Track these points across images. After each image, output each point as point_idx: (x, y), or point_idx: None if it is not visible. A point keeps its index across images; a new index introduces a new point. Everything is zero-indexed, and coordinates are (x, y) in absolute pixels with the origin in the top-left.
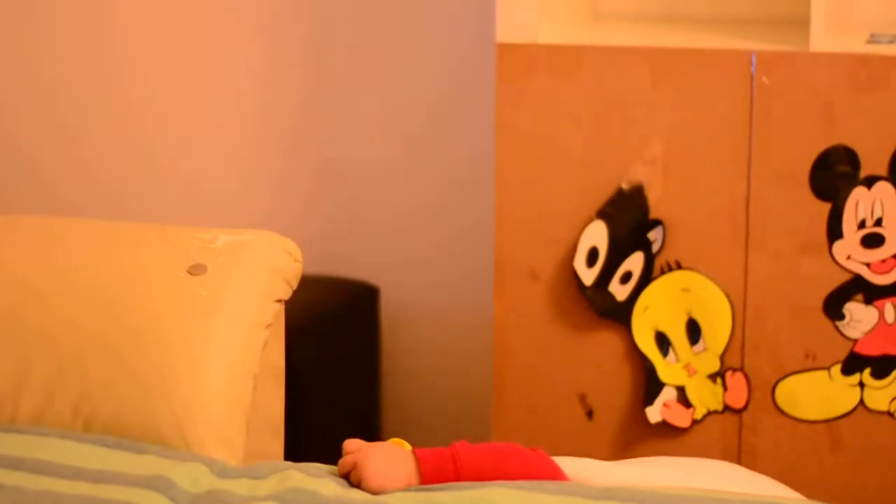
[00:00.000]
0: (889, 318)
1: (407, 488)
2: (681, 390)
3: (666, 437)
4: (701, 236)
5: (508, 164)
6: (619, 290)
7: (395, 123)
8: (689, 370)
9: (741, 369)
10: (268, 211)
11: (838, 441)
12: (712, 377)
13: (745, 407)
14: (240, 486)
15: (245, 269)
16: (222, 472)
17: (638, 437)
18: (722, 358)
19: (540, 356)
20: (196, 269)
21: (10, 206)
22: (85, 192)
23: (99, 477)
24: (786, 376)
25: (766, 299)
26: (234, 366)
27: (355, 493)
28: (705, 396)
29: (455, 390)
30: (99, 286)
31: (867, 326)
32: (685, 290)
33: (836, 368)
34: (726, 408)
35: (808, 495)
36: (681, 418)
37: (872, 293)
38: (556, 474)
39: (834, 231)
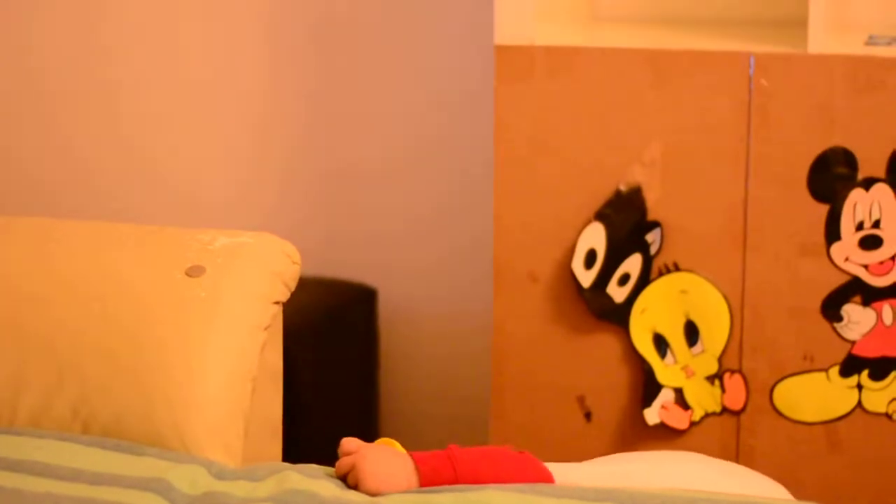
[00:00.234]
0: (887, 319)
1: (406, 490)
2: (679, 392)
3: (664, 439)
4: (699, 238)
5: (507, 165)
6: (618, 292)
7: (393, 125)
8: (688, 372)
9: (739, 371)
10: (265, 213)
11: (836, 443)
12: (710, 379)
13: (744, 409)
14: (238, 488)
15: (243, 271)
16: (220, 473)
17: (636, 438)
18: (720, 360)
19: (538, 358)
20: (194, 271)
21: (8, 208)
22: (86, 196)
23: (97, 479)
24: (784, 378)
25: (765, 301)
26: (233, 368)
27: (354, 495)
28: (703, 398)
29: (453, 392)
30: (97, 287)
31: (865, 328)
32: (683, 291)
33: (835, 370)
34: (724, 409)
35: (807, 497)
36: (679, 420)
37: (870, 295)
38: (545, 477)
39: (832, 233)
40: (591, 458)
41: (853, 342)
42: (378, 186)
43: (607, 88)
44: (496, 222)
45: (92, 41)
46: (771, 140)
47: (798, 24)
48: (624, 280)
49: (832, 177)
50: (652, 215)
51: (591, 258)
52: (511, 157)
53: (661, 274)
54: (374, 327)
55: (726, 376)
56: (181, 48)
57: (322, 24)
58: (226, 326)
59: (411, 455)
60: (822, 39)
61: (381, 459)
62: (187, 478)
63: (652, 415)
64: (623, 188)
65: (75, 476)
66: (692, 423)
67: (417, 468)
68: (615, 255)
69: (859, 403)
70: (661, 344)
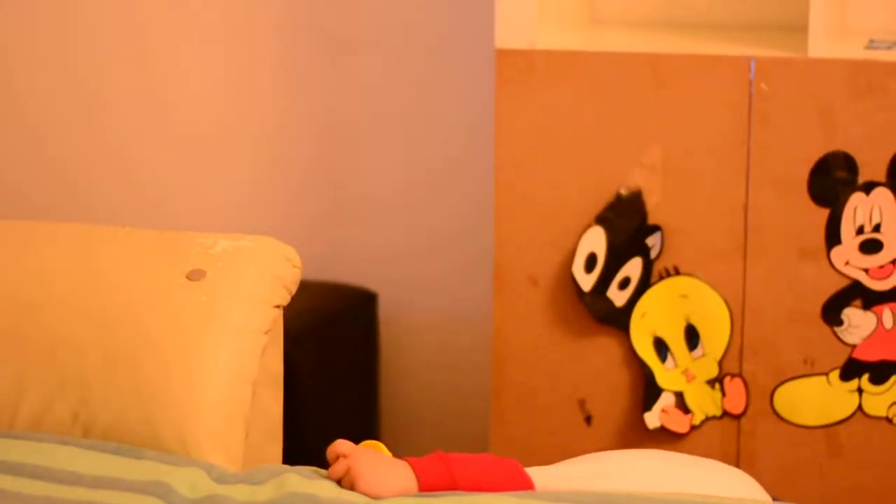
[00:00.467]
0: (887, 323)
1: (404, 494)
2: (679, 396)
3: (664, 443)
4: (699, 242)
5: (507, 169)
6: (618, 296)
7: (393, 129)
8: (688, 376)
9: (740, 375)
10: (266, 216)
11: (837, 447)
12: (711, 383)
13: (744, 412)
14: (238, 492)
15: (244, 274)
16: (220, 477)
17: (636, 442)
18: (720, 363)
19: (538, 361)
20: (195, 275)
21: (7, 212)
22: (84, 201)
23: (97, 482)
24: (784, 382)
25: (765, 305)
26: (233, 371)
27: (354, 496)
28: (704, 402)
29: (453, 396)
30: (97, 291)
31: (865, 332)
32: (683, 295)
33: (835, 374)
34: (725, 413)
35: (807, 500)
36: (679, 424)
37: (871, 299)
38: (527, 484)
39: (832, 237)
40: None
41: (853, 346)
42: (378, 191)
43: (608, 92)
44: (496, 226)
45: (97, 49)
46: (771, 144)
47: (798, 28)
48: (624, 284)
49: (833, 181)
50: (652, 219)
51: (591, 262)
52: (511, 161)
53: (661, 278)
54: (375, 331)
55: (727, 380)
56: (192, 57)
57: (330, 33)
58: (226, 330)
59: (407, 460)
60: (823, 44)
61: (377, 463)
62: (187, 481)
63: (652, 418)
64: (623, 192)
65: (75, 479)
66: (692, 427)
67: (415, 472)
68: (616, 259)
69: (860, 407)
70: (661, 348)
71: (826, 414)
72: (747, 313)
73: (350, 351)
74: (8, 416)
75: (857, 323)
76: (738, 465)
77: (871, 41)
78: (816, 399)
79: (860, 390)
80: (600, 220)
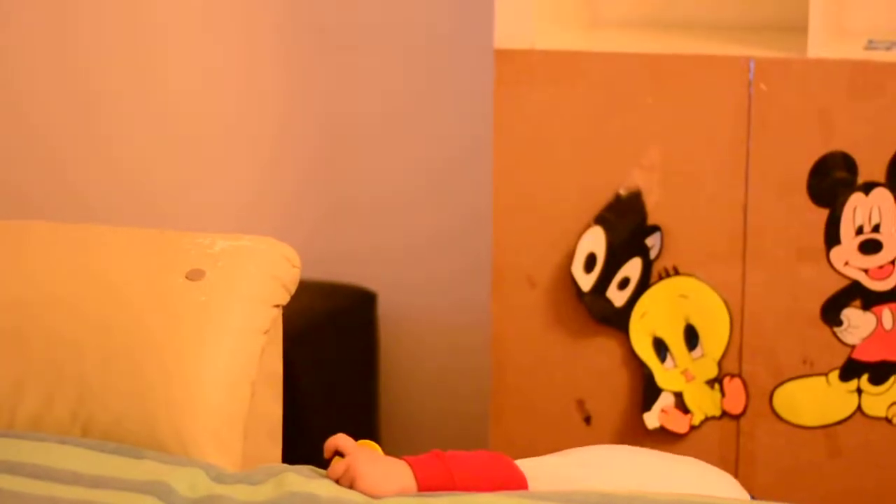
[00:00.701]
0: (887, 324)
1: (404, 494)
2: (679, 396)
3: (664, 443)
4: (699, 242)
5: (506, 169)
6: (617, 296)
7: (392, 129)
8: (687, 376)
9: (739, 375)
10: (265, 216)
11: (836, 447)
12: (710, 383)
13: (743, 413)
14: (237, 492)
15: (243, 274)
16: (219, 477)
17: (636, 442)
18: (720, 364)
19: (538, 362)
20: (194, 275)
21: (7, 213)
22: (84, 201)
23: (97, 482)
24: (783, 382)
25: (764, 305)
26: (232, 371)
27: (353, 495)
28: (703, 402)
29: (453, 395)
30: (96, 291)
31: (865, 332)
32: (683, 296)
33: (834, 374)
34: (724, 414)
35: (806, 501)
36: (679, 424)
37: (870, 299)
38: (520, 481)
39: (832, 237)
40: None
41: (853, 346)
42: (378, 191)
43: (607, 92)
44: (495, 226)
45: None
46: (771, 144)
47: (798, 28)
48: (624, 284)
49: (832, 181)
50: (652, 219)
51: (590, 262)
52: (510, 161)
53: (660, 278)
54: (374, 331)
55: (726, 380)
56: (192, 57)
57: (330, 32)
58: (225, 330)
59: (405, 459)
60: (822, 44)
61: (376, 462)
62: (186, 481)
63: (652, 419)
64: (623, 192)
65: (74, 479)
66: (692, 428)
67: (413, 471)
68: (615, 259)
69: (859, 408)
70: (660, 348)
71: (825, 414)
72: (747, 313)
73: (349, 351)
74: (6, 416)
75: (857, 323)
76: (737, 466)
77: (871, 42)
78: (816, 399)
79: (859, 391)
80: (599, 220)
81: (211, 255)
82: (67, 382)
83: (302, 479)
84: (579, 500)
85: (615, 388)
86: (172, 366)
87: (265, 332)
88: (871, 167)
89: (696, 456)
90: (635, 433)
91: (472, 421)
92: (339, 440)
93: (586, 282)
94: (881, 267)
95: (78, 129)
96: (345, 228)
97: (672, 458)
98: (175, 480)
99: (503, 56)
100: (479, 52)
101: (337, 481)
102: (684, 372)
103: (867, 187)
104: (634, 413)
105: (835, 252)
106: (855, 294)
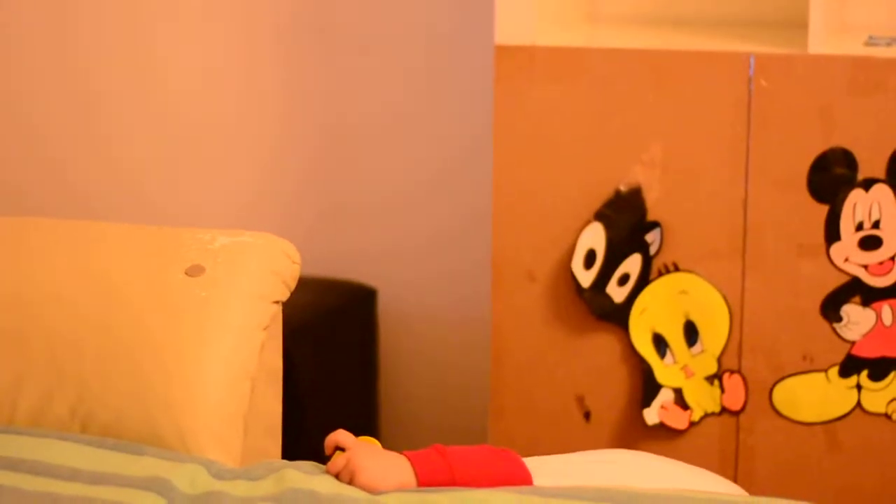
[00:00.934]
0: (886, 320)
1: (404, 489)
2: (678, 392)
3: (663, 439)
4: (699, 238)
5: (506, 165)
6: (617, 292)
7: (392, 127)
8: (687, 372)
9: (738, 371)
10: (266, 214)
11: (836, 443)
12: (710, 379)
13: (743, 409)
14: (237, 488)
15: (243, 270)
16: (219, 473)
17: (635, 438)
18: (719, 360)
19: (537, 358)
20: (194, 271)
21: (7, 210)
22: (84, 201)
23: (96, 478)
24: (783, 378)
25: (764, 301)
26: (232, 367)
27: (353, 491)
28: (703, 398)
29: (452, 391)
30: (96, 287)
31: (865, 328)
32: (683, 292)
33: (834, 370)
34: (724, 410)
35: (806, 497)
36: (678, 420)
37: (870, 295)
38: (526, 477)
39: (832, 233)
40: None
41: (853, 342)
42: (378, 188)
43: (607, 89)
44: (495, 222)
45: (91, 54)
46: (771, 140)
47: (798, 24)
48: (623, 280)
49: (832, 177)
50: (652, 215)
51: (590, 258)
52: (511, 158)
53: (660, 274)
54: (374, 327)
55: (726, 376)
56: (192, 57)
57: (330, 33)
58: (225, 326)
59: (405, 454)
60: (822, 40)
61: (375, 457)
62: (186, 477)
63: (651, 415)
64: (623, 188)
65: (74, 475)
66: (691, 424)
67: (413, 466)
68: (615, 256)
69: (858, 404)
70: (660, 344)
71: (825, 410)
72: (746, 310)
73: (349, 347)
74: (7, 412)
75: (857, 319)
76: (736, 462)
77: (871, 38)
78: (815, 395)
79: (859, 387)
80: (599, 216)
81: (211, 251)
82: (67, 379)
83: (302, 475)
84: (582, 495)
85: (615, 385)
86: (172, 362)
87: (265, 329)
88: (871, 163)
89: (696, 452)
90: (635, 429)
91: (471, 417)
92: (340, 436)
93: (586, 278)
94: (881, 263)
95: (78, 129)
96: (345, 225)
97: (676, 463)
98: (175, 477)
99: (503, 52)
100: (480, 51)
101: (337, 476)
102: (684, 368)
103: (867, 183)
104: (634, 409)
105: (835, 248)
106: (855, 290)
